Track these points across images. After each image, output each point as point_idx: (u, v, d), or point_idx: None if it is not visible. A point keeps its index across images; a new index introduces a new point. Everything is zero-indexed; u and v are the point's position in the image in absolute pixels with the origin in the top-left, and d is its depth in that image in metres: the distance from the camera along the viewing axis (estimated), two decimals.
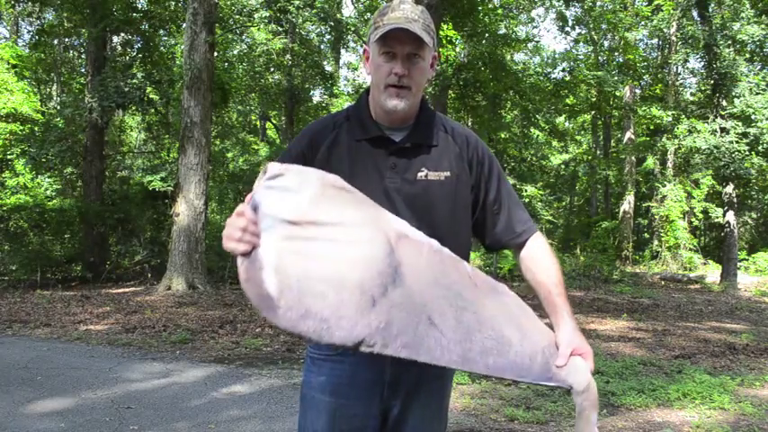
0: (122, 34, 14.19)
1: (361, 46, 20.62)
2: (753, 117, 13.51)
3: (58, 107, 16.03)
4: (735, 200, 14.81)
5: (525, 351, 1.43)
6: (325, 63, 21.57)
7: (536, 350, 1.45)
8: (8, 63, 17.42)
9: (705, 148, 13.75)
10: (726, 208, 14.80)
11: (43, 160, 12.33)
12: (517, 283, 11.54)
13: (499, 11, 18.35)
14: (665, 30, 17.27)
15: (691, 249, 19.12)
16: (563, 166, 28.35)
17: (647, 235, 23.43)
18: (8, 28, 23.58)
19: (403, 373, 1.60)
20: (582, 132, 28.43)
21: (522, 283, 10.52)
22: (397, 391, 1.61)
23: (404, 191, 1.57)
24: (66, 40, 17.87)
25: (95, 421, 3.98)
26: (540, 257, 1.64)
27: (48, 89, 20.29)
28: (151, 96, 12.66)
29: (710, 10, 15.02)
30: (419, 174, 1.59)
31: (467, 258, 1.70)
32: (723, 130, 13.75)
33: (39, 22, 16.64)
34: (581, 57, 21.29)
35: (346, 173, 1.57)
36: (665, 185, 19.16)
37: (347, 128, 1.62)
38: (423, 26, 1.53)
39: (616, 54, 18.70)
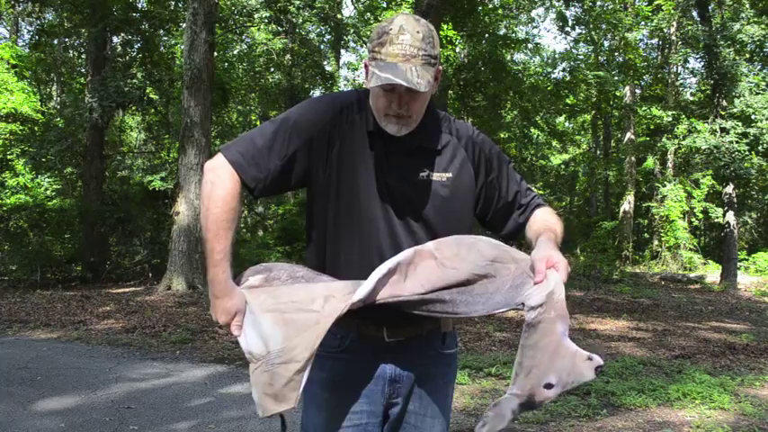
0: (122, 34, 14.18)
1: (362, 46, 20.63)
2: (753, 117, 13.50)
3: (58, 107, 16.02)
4: (735, 200, 14.80)
5: (488, 289, 1.44)
6: (325, 63, 21.57)
7: (504, 281, 1.45)
8: (8, 63, 17.42)
9: (705, 148, 13.73)
10: (726, 208, 14.79)
11: (43, 160, 12.32)
12: None
13: (499, 11, 18.36)
14: (665, 30, 17.27)
15: (691, 249, 19.11)
16: (563, 166, 28.36)
17: (647, 235, 23.41)
18: (8, 28, 23.58)
19: (404, 371, 1.60)
20: (582, 132, 28.43)
21: None
22: (399, 389, 1.61)
23: (403, 190, 1.57)
24: (66, 40, 17.86)
25: (95, 421, 3.98)
26: (541, 217, 1.65)
27: (48, 89, 20.28)
28: (151, 96, 12.66)
29: (710, 10, 15.02)
30: (421, 174, 1.58)
31: None
32: (723, 130, 13.74)
33: (39, 22, 16.62)
34: (581, 57, 21.28)
35: (354, 160, 1.57)
36: (665, 185, 19.14)
37: (363, 115, 1.60)
38: (423, 59, 1.46)
39: (616, 54, 18.68)
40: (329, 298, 1.45)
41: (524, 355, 1.37)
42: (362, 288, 1.43)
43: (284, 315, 1.44)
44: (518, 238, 1.72)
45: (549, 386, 1.36)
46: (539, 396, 1.37)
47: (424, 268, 1.47)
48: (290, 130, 1.55)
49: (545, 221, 1.62)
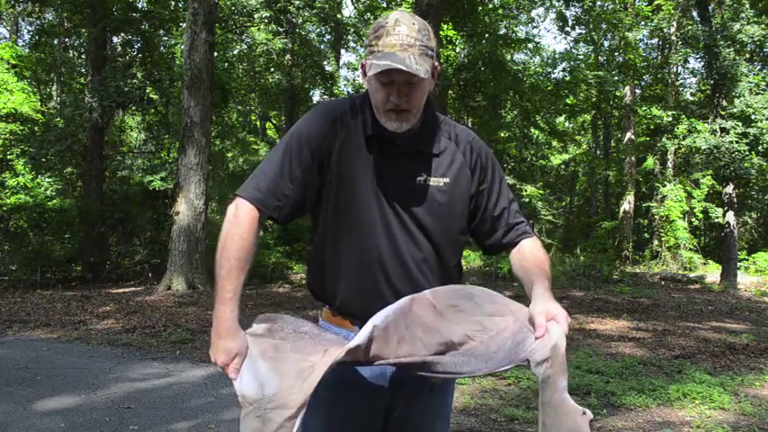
0: (122, 34, 14.19)
1: (362, 46, 20.62)
2: (753, 117, 13.49)
3: (58, 107, 16.02)
4: (735, 200, 14.79)
5: (490, 348, 1.44)
6: (325, 63, 21.58)
7: (505, 338, 1.45)
8: (8, 63, 17.42)
9: (705, 148, 13.73)
10: (726, 208, 14.79)
11: (43, 160, 12.32)
12: (516, 284, 11.54)
13: (499, 11, 18.37)
14: (665, 30, 17.27)
15: (691, 249, 19.10)
16: (563, 166, 28.37)
17: (647, 235, 23.41)
18: (8, 28, 23.59)
19: (406, 372, 1.60)
20: (582, 132, 28.44)
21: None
22: (401, 390, 1.61)
23: (400, 194, 1.57)
24: (66, 40, 17.87)
25: (95, 421, 3.98)
26: (530, 251, 1.65)
27: (48, 89, 20.28)
28: (151, 96, 12.66)
29: (710, 10, 15.02)
30: (418, 178, 1.58)
31: (459, 261, 1.71)
32: (723, 130, 13.73)
33: (39, 22, 16.63)
34: (581, 57, 21.29)
35: (351, 164, 1.57)
36: (665, 185, 19.14)
37: (360, 119, 1.60)
38: (420, 50, 1.47)
39: (616, 54, 18.69)
40: (329, 349, 1.46)
41: (545, 414, 1.36)
42: (359, 335, 1.44)
43: (283, 364, 1.43)
44: (499, 254, 1.71)
45: None
46: None
47: (424, 321, 1.47)
48: (295, 151, 1.56)
49: (535, 259, 1.61)
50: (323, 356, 1.43)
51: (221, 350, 1.47)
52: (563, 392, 1.35)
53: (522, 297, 1.61)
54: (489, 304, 1.50)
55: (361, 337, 1.43)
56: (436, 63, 1.56)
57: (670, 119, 14.71)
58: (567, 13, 19.63)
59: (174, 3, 14.73)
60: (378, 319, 1.45)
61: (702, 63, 15.17)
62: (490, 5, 17.49)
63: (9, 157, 13.53)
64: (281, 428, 1.38)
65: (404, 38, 1.46)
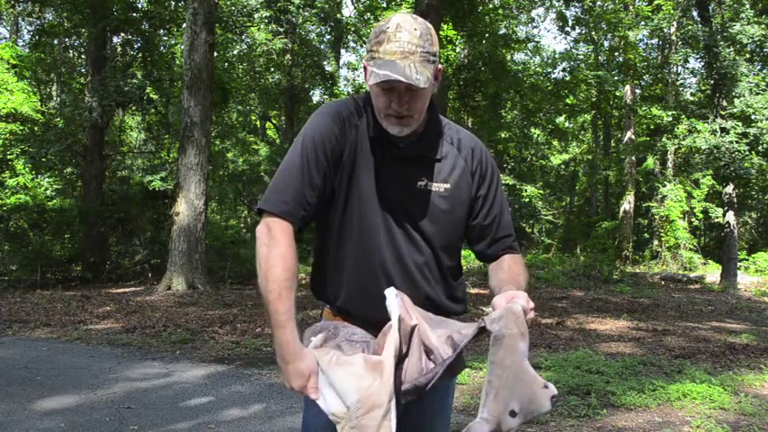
0: (122, 34, 14.20)
1: (361, 46, 20.63)
2: (753, 117, 13.49)
3: (58, 107, 16.03)
4: (735, 200, 14.79)
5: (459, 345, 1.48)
6: (325, 63, 21.58)
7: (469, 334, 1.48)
8: (8, 63, 17.43)
9: (705, 148, 13.73)
10: (726, 208, 14.79)
11: (43, 160, 12.33)
12: None
13: (499, 11, 18.38)
14: (665, 30, 17.26)
15: (691, 249, 19.10)
16: (563, 166, 28.38)
17: (647, 235, 23.42)
18: (8, 28, 23.62)
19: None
20: (582, 132, 28.44)
21: None
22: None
23: (402, 197, 1.57)
24: (66, 40, 17.88)
25: (95, 421, 3.98)
26: (509, 265, 1.65)
27: (48, 89, 20.30)
28: (151, 96, 12.67)
29: (710, 10, 15.02)
30: (419, 183, 1.58)
31: (458, 263, 1.71)
32: (723, 130, 13.73)
33: (39, 22, 16.64)
34: (581, 57, 21.29)
35: (356, 166, 1.56)
36: (665, 185, 19.14)
37: (364, 121, 1.59)
38: (421, 56, 1.45)
39: (616, 54, 18.70)
40: (382, 342, 1.47)
41: (492, 373, 1.35)
42: (392, 305, 1.45)
43: (353, 367, 1.41)
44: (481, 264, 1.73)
45: (513, 414, 1.34)
46: (505, 425, 1.34)
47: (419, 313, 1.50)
48: (311, 158, 1.53)
49: (511, 273, 1.61)
50: (383, 351, 1.43)
51: (294, 374, 1.41)
52: (523, 359, 1.35)
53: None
54: (460, 325, 1.53)
55: (394, 306, 1.44)
56: (439, 66, 1.54)
57: (670, 119, 14.71)
58: (567, 13, 19.65)
59: (174, 3, 14.74)
60: (392, 290, 1.47)
61: (702, 63, 15.16)
62: (490, 5, 17.51)
63: (9, 157, 13.53)
64: (381, 429, 1.35)
65: (405, 45, 1.44)
